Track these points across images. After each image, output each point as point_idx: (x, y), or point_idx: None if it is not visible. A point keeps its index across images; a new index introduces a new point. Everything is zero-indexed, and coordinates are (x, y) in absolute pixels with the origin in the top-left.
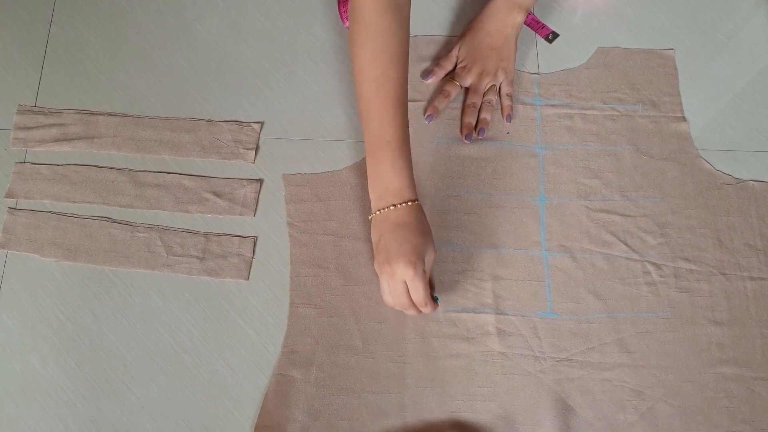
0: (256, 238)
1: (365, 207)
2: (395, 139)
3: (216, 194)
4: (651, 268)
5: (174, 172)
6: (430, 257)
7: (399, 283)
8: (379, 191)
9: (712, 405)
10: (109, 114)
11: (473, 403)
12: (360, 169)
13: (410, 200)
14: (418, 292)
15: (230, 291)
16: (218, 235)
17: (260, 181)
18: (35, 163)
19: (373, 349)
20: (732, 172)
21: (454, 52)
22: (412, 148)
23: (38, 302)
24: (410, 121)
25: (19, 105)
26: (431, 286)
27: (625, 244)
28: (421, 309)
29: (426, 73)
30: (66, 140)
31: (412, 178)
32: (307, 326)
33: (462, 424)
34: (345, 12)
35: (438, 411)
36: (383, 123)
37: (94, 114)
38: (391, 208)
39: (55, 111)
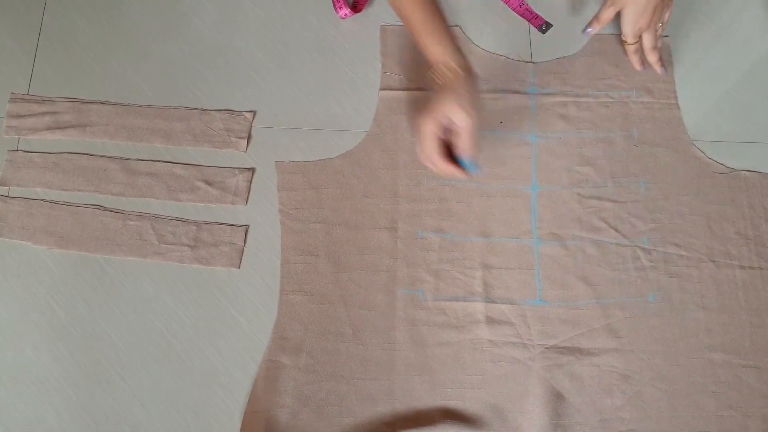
0: (247, 226)
1: (356, 195)
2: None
3: (208, 183)
4: (641, 253)
5: (166, 160)
6: (457, 117)
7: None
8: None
9: (699, 390)
10: (101, 102)
11: (462, 391)
12: (352, 157)
13: (461, 68)
14: (421, 145)
15: (221, 279)
16: (210, 223)
17: (252, 170)
18: (27, 151)
19: (362, 336)
20: (725, 163)
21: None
22: (405, 138)
23: (30, 290)
24: (405, 113)
25: (12, 93)
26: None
27: (616, 229)
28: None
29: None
30: (58, 128)
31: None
32: (297, 313)
33: (452, 413)
34: (338, 2)
35: (427, 398)
36: (423, 24)
37: (86, 102)
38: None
39: (47, 99)
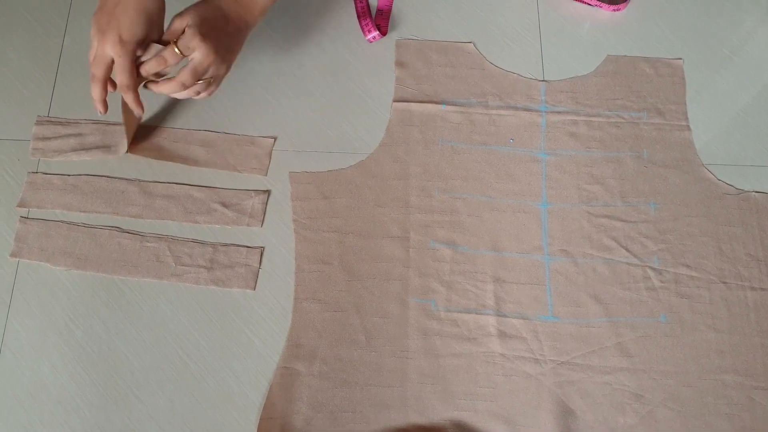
0: (263, 248)
1: (369, 205)
2: None
3: (224, 205)
4: (651, 273)
5: (183, 183)
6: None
7: (104, 52)
8: None
9: (712, 411)
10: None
11: (474, 403)
12: (364, 167)
13: None
14: (124, 73)
15: (237, 301)
16: (226, 245)
17: (268, 192)
18: (47, 173)
19: (375, 344)
20: (735, 185)
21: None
22: (417, 150)
23: (48, 310)
24: (418, 125)
25: (38, 116)
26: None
27: (626, 249)
28: (123, 92)
29: None
30: (84, 149)
31: None
32: (311, 320)
33: (464, 425)
34: (366, 25)
35: (440, 408)
36: None
37: (110, 124)
38: None
39: (72, 121)
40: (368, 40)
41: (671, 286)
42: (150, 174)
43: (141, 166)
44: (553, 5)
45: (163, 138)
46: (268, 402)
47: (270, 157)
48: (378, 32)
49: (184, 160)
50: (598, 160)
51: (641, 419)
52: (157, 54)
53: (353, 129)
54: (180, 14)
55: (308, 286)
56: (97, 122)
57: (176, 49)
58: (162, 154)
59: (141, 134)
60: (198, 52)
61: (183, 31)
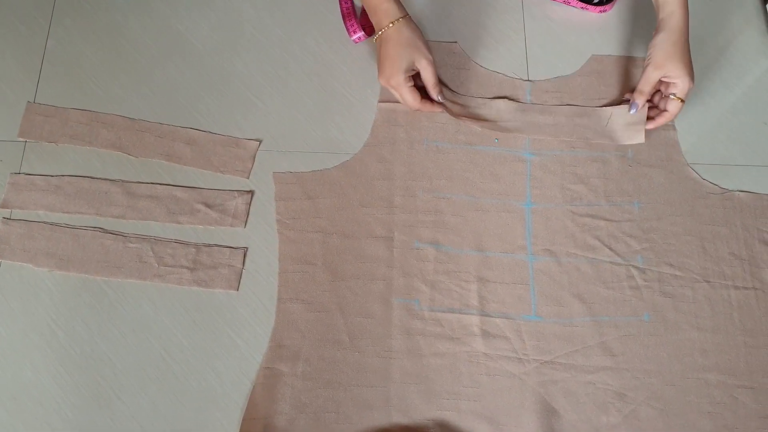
0: (246, 249)
1: (353, 205)
2: None
3: (207, 205)
4: (635, 272)
5: (166, 183)
6: (420, 63)
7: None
8: (375, 18)
9: (694, 409)
10: (116, 114)
11: (458, 402)
12: (348, 168)
13: (397, 18)
14: (404, 100)
15: (220, 301)
16: (209, 245)
17: (251, 192)
18: (30, 174)
19: (359, 344)
20: (720, 185)
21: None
22: (402, 150)
23: (31, 311)
24: (403, 125)
25: (28, 102)
26: (435, 84)
27: (610, 248)
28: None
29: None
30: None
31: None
32: (294, 321)
33: (448, 425)
34: (351, 26)
35: (423, 407)
36: None
37: (100, 113)
38: (385, 28)
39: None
40: (353, 40)
41: (655, 285)
42: (133, 174)
43: (124, 166)
44: (538, 6)
45: (148, 133)
46: (250, 402)
47: (254, 160)
48: (363, 33)
49: (168, 157)
50: (582, 160)
51: (624, 418)
52: None
53: (338, 129)
54: None
55: (291, 287)
56: (85, 111)
57: None
58: (146, 150)
59: (126, 130)
60: None
61: None
